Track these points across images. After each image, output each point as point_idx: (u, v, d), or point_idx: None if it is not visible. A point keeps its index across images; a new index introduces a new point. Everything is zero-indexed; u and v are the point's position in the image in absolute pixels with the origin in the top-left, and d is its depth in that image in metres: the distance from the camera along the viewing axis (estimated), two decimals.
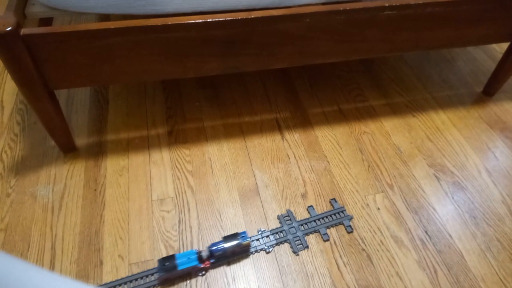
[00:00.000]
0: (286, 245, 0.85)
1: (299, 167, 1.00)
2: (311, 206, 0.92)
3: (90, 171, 0.96)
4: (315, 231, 0.87)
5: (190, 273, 0.80)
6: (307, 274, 0.81)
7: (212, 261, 0.80)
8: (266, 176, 0.98)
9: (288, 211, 0.90)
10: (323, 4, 0.91)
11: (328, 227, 0.88)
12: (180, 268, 0.77)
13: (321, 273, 0.81)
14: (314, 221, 0.89)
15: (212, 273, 0.80)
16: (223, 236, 0.84)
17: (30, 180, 0.94)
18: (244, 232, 0.83)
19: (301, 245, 0.85)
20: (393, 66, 1.30)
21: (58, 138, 0.96)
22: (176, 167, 0.98)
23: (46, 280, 0.30)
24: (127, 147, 1.02)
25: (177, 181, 0.95)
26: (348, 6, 0.83)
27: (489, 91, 1.21)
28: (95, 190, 0.93)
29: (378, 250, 0.85)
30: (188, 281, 0.79)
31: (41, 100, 0.84)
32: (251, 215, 0.90)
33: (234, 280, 0.80)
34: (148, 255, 0.82)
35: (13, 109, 1.11)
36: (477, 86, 1.25)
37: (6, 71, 1.22)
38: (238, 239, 0.81)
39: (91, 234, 0.85)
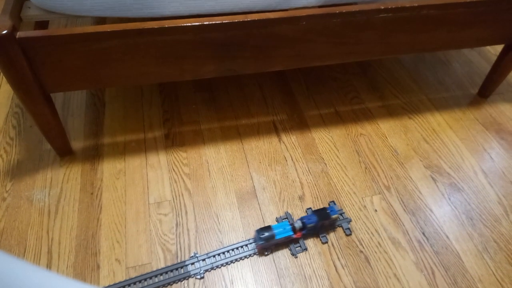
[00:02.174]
0: (284, 248, 0.85)
1: (296, 169, 1.00)
2: (310, 208, 0.92)
3: (86, 175, 0.96)
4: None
5: (285, 243, 0.85)
6: (305, 276, 0.81)
7: (303, 232, 0.84)
8: (264, 178, 0.98)
9: (287, 213, 0.90)
10: (320, 7, 0.91)
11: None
12: (277, 237, 0.81)
13: (319, 276, 0.81)
14: None
15: (210, 276, 0.80)
16: (314, 210, 0.89)
17: (26, 184, 0.93)
18: (332, 207, 0.87)
19: (299, 248, 0.85)
20: (389, 68, 1.31)
21: (54, 141, 0.95)
22: (173, 170, 0.98)
23: (45, 279, 0.30)
24: (124, 150, 1.02)
25: (174, 184, 0.95)
26: (344, 9, 0.84)
27: (484, 93, 1.22)
28: (92, 193, 0.92)
29: (375, 252, 0.85)
30: (186, 285, 0.79)
31: (37, 104, 0.84)
32: (248, 217, 0.90)
33: (232, 283, 0.79)
34: (145, 259, 0.82)
35: (8, 112, 1.10)
36: (472, 88, 1.25)
37: (1, 74, 1.21)
38: (327, 212, 0.85)
39: (88, 238, 0.85)
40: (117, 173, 0.96)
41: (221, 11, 0.86)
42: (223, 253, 0.83)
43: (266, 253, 0.83)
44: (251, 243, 0.84)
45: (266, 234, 0.81)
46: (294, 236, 0.83)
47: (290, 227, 0.83)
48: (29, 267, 0.29)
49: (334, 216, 0.85)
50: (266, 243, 0.81)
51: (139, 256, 0.82)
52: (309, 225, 0.83)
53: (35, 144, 1.02)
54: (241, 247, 0.84)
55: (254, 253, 0.84)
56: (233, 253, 0.83)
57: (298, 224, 0.83)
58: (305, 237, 0.86)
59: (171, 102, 1.15)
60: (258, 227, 0.88)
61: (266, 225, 0.85)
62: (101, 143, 1.03)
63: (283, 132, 1.09)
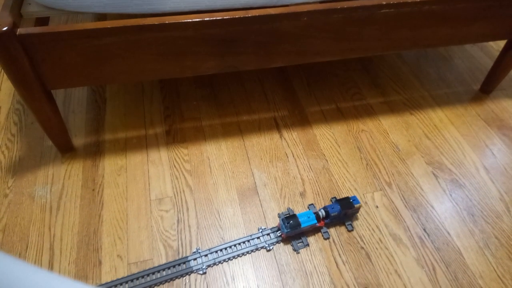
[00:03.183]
0: (286, 244, 0.85)
1: (297, 166, 1.00)
2: (312, 204, 0.92)
3: (88, 171, 0.96)
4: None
5: (310, 231, 0.86)
6: (306, 272, 0.81)
7: (327, 221, 0.86)
8: (265, 175, 0.98)
9: (289, 209, 0.90)
10: (321, 2, 0.90)
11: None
12: (303, 225, 0.83)
13: (320, 272, 0.81)
14: None
15: (211, 272, 0.80)
16: (337, 199, 0.90)
17: (28, 181, 0.94)
18: (354, 196, 0.88)
19: (301, 243, 0.85)
20: (391, 64, 1.31)
21: (55, 138, 0.96)
22: (174, 166, 0.98)
23: (45, 280, 0.30)
24: (125, 146, 1.02)
25: (175, 181, 0.95)
26: (345, 4, 0.83)
27: (486, 89, 1.21)
28: (93, 190, 0.93)
29: (376, 248, 0.85)
30: (187, 281, 0.79)
31: (38, 100, 0.84)
32: (250, 214, 0.90)
33: (233, 279, 0.80)
34: (146, 255, 0.82)
35: (10, 109, 1.10)
36: (474, 84, 1.25)
37: (2, 71, 1.21)
38: (351, 202, 0.86)
39: (90, 234, 0.85)
40: (119, 170, 0.97)
41: (222, 7, 0.86)
42: (225, 248, 0.83)
43: (268, 248, 0.84)
44: (253, 239, 0.85)
45: (292, 222, 0.82)
46: (318, 224, 0.85)
47: (314, 215, 0.84)
48: (29, 268, 0.29)
49: (357, 205, 0.86)
50: (292, 231, 0.82)
51: (140, 252, 0.83)
52: (333, 214, 0.85)
53: (37, 141, 1.02)
54: (243, 242, 0.84)
55: (256, 249, 0.84)
56: (235, 249, 0.83)
57: (322, 213, 0.85)
58: (328, 226, 0.88)
59: (172, 99, 1.15)
60: (259, 223, 0.88)
61: (292, 214, 0.85)
62: (102, 139, 1.03)
63: (284, 129, 1.08)
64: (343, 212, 0.85)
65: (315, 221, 0.84)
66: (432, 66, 1.31)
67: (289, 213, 0.88)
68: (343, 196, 0.91)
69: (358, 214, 0.91)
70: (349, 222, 0.88)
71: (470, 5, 0.91)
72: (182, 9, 0.84)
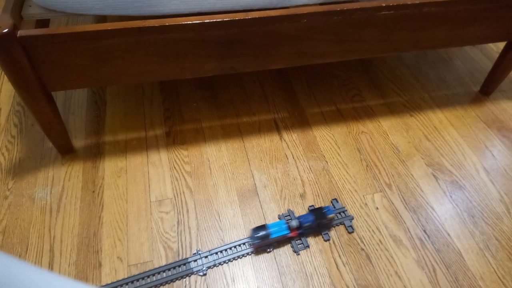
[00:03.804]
0: (286, 245, 0.85)
1: (297, 167, 1.00)
2: (312, 205, 0.92)
3: (88, 173, 0.96)
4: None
5: (280, 242, 0.84)
6: (307, 274, 0.81)
7: (300, 231, 0.84)
8: (265, 176, 0.98)
9: (289, 210, 0.90)
10: (320, 4, 0.91)
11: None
12: (273, 236, 0.81)
13: (320, 273, 0.81)
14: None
15: (211, 273, 0.80)
16: (310, 209, 0.89)
17: (28, 182, 0.94)
18: (328, 207, 0.87)
19: (301, 245, 0.85)
20: (391, 66, 1.31)
21: (55, 140, 0.96)
22: (175, 168, 0.98)
23: (45, 280, 0.30)
24: (125, 148, 1.02)
25: (175, 182, 0.95)
26: (345, 6, 0.84)
27: (486, 90, 1.22)
28: (93, 191, 0.93)
29: (377, 250, 0.85)
30: (188, 282, 0.79)
31: (39, 102, 0.84)
32: (250, 215, 0.90)
33: (234, 281, 0.80)
34: (147, 257, 0.82)
35: (10, 111, 1.10)
36: (474, 86, 1.25)
37: (2, 73, 1.21)
38: (324, 212, 0.85)
39: (90, 236, 0.85)
40: (119, 171, 0.97)
41: (222, 9, 0.86)
42: (225, 250, 0.83)
43: (268, 249, 0.84)
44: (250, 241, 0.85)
45: (261, 233, 0.81)
46: (290, 234, 0.83)
47: (286, 225, 0.83)
48: (29, 268, 0.29)
49: (330, 216, 0.85)
50: (262, 242, 0.81)
51: (140, 254, 0.82)
52: (305, 224, 0.83)
53: (37, 143, 1.02)
54: (244, 244, 0.84)
55: (298, 238, 0.85)
56: (235, 250, 0.83)
57: (294, 223, 0.83)
58: (302, 236, 0.86)
59: (172, 100, 1.15)
60: (259, 224, 0.88)
61: (262, 223, 0.85)
62: (103, 141, 1.03)
63: (284, 130, 1.08)
64: (316, 222, 0.84)
65: (287, 231, 0.82)
66: (432, 67, 1.31)
67: (262, 224, 0.85)
68: (319, 207, 0.87)
69: (358, 215, 0.91)
70: (326, 232, 0.86)
71: (469, 7, 0.91)
72: (183, 11, 0.85)
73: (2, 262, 0.28)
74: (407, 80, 1.26)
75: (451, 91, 1.23)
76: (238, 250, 0.83)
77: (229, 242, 0.85)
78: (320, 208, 0.86)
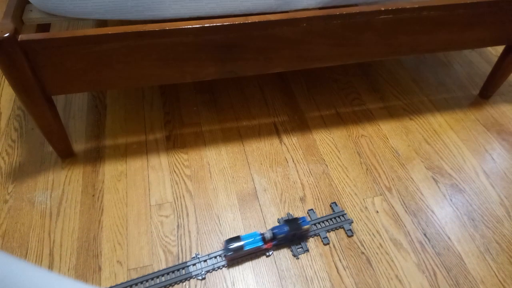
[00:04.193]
0: (286, 249, 0.85)
1: (297, 171, 1.00)
2: (312, 209, 0.92)
3: (88, 177, 0.96)
4: (315, 235, 0.87)
5: (255, 254, 0.83)
6: (307, 278, 0.81)
7: (274, 242, 0.83)
8: (265, 180, 0.98)
9: (288, 214, 0.90)
10: (320, 8, 0.91)
11: (328, 231, 0.88)
12: (246, 248, 0.80)
13: (320, 277, 0.81)
14: (315, 224, 0.89)
15: (211, 277, 0.80)
16: (285, 219, 0.87)
17: (28, 186, 0.94)
18: (303, 217, 0.85)
19: (301, 249, 0.85)
20: (390, 69, 1.31)
21: (55, 143, 0.96)
22: (174, 171, 0.98)
23: (46, 279, 0.30)
24: (125, 152, 1.02)
25: (175, 186, 0.95)
26: (344, 10, 0.84)
27: (485, 94, 1.22)
28: (93, 195, 0.93)
29: (377, 253, 0.85)
30: (187, 286, 0.79)
31: (39, 106, 0.84)
32: (250, 219, 0.90)
33: (234, 285, 0.79)
34: (146, 261, 0.82)
35: (10, 115, 1.11)
36: (473, 89, 1.25)
37: (3, 77, 1.22)
38: (299, 223, 0.83)
39: (89, 240, 0.85)
40: (119, 175, 0.97)
41: (222, 13, 0.86)
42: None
43: (268, 253, 0.83)
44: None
45: (235, 245, 0.80)
46: (265, 246, 0.82)
47: (260, 237, 0.82)
48: (30, 268, 0.29)
49: (305, 227, 0.83)
50: (235, 254, 0.80)
51: (140, 258, 0.82)
52: (280, 236, 0.82)
53: (37, 147, 1.02)
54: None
55: (274, 249, 0.84)
56: None
57: (269, 235, 0.82)
58: (277, 247, 0.85)
59: (172, 104, 1.15)
60: (259, 228, 0.88)
61: (236, 235, 0.83)
62: (103, 145, 1.03)
63: (284, 134, 1.09)
64: (291, 233, 0.82)
65: (261, 243, 0.81)
66: (431, 71, 1.31)
67: (234, 236, 0.83)
68: (294, 218, 0.85)
69: (358, 219, 0.91)
70: (299, 246, 0.84)
71: (467, 11, 0.92)
72: (183, 15, 0.85)
73: (3, 262, 0.28)
74: (407, 84, 1.26)
75: (451, 95, 1.23)
76: None
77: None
78: (295, 219, 0.84)
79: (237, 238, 0.81)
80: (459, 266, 0.84)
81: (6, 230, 0.86)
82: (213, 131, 1.08)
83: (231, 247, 0.80)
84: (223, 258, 0.82)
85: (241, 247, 0.80)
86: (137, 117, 1.11)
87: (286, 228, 0.82)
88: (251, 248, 0.80)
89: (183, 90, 1.20)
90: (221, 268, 0.81)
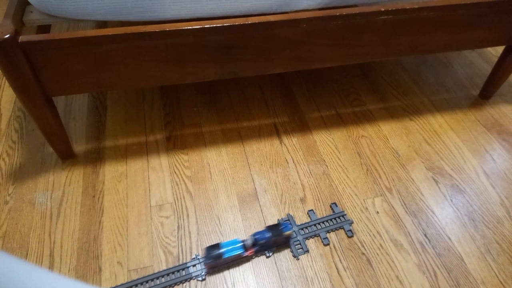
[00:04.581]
0: (286, 249, 0.85)
1: (297, 172, 1.00)
2: (312, 210, 0.91)
3: (88, 178, 0.96)
4: (315, 235, 0.87)
5: (235, 261, 0.82)
6: (307, 278, 0.81)
7: (256, 248, 0.82)
8: (265, 180, 0.98)
9: (288, 215, 0.90)
10: (320, 9, 0.91)
11: (328, 232, 0.88)
12: (226, 256, 0.79)
13: (321, 278, 0.81)
14: (315, 225, 0.89)
15: (211, 278, 0.80)
16: (267, 225, 0.86)
17: (28, 187, 0.94)
18: (286, 223, 0.84)
19: (301, 249, 0.85)
20: (390, 70, 1.31)
21: (56, 144, 0.96)
22: (175, 172, 0.98)
23: (46, 279, 0.30)
24: (126, 153, 1.02)
25: (175, 187, 0.95)
26: (344, 11, 0.84)
27: (485, 94, 1.22)
28: (94, 196, 0.93)
29: (377, 254, 0.85)
30: (188, 287, 0.79)
31: (39, 107, 0.84)
32: (250, 220, 0.90)
33: (234, 286, 0.79)
34: (147, 262, 0.82)
35: (11, 116, 1.11)
36: (473, 90, 1.25)
37: (4, 78, 1.22)
38: (281, 229, 0.82)
39: (90, 241, 0.85)
40: (119, 176, 0.97)
41: (222, 14, 0.87)
42: None
43: (268, 254, 0.83)
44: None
45: (214, 252, 0.79)
46: (246, 253, 0.81)
47: (241, 244, 0.81)
48: (31, 268, 0.29)
49: (287, 233, 0.82)
50: (214, 261, 0.79)
51: (140, 259, 0.82)
52: (261, 242, 0.81)
53: (37, 148, 1.02)
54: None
55: (256, 256, 0.83)
56: None
57: (250, 241, 0.82)
58: (258, 253, 0.84)
59: (172, 105, 1.15)
60: (259, 229, 0.88)
61: (217, 242, 0.82)
62: (103, 146, 1.03)
63: (284, 134, 1.09)
64: (273, 239, 0.81)
65: (242, 250, 0.80)
66: (431, 72, 1.31)
67: (215, 244, 0.82)
68: (276, 223, 0.84)
69: (358, 219, 0.91)
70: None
71: (468, 12, 0.92)
72: (183, 16, 0.85)
73: (4, 262, 0.28)
74: (407, 84, 1.26)
75: (451, 95, 1.23)
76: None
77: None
78: (277, 225, 0.83)
79: (216, 246, 0.80)
80: (459, 266, 0.84)
81: (6, 231, 0.86)
82: (213, 131, 1.09)
83: (210, 254, 0.79)
84: (203, 266, 0.81)
85: (220, 255, 0.79)
86: (137, 118, 1.11)
87: (268, 234, 0.81)
88: (231, 256, 0.79)
89: (184, 91, 1.20)
90: (221, 269, 0.81)
